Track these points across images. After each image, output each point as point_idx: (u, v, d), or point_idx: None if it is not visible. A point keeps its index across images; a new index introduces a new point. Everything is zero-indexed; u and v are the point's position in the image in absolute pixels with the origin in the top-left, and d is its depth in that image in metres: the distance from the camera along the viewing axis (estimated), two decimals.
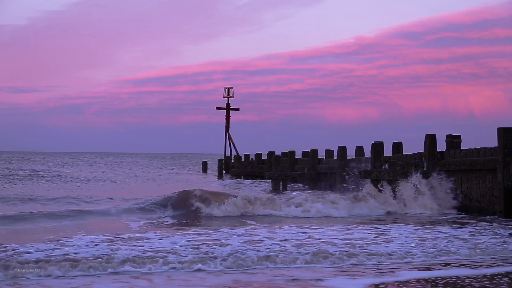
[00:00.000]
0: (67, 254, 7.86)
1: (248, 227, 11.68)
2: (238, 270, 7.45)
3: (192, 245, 8.92)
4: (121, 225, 11.86)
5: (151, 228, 11.46)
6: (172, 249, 8.50)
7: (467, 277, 7.14)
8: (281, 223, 12.58)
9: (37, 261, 7.37)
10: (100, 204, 15.45)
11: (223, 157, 46.22)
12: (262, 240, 9.60)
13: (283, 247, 8.84)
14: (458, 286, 6.70)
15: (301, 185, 26.41)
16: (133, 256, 7.81)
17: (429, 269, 7.71)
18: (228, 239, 9.63)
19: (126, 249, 8.39)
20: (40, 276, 6.90)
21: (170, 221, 13.06)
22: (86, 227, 11.36)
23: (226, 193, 16.06)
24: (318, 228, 11.40)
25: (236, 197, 14.93)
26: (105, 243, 8.94)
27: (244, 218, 13.83)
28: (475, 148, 15.08)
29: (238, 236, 10.14)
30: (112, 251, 8.23)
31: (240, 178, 36.69)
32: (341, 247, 9.00)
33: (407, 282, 6.90)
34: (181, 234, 10.38)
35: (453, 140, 16.12)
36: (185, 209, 14.09)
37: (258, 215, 14.34)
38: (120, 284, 6.71)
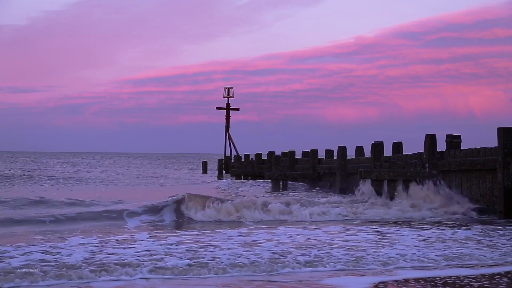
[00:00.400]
0: (56, 260, 7.76)
1: (244, 229, 11.63)
2: (238, 270, 7.41)
3: (188, 248, 8.87)
4: (116, 228, 11.71)
5: (146, 230, 11.34)
6: (169, 252, 8.42)
7: (466, 276, 7.10)
8: (278, 224, 12.52)
9: (22, 267, 7.22)
10: (98, 206, 15.35)
11: (223, 157, 46.22)
12: (259, 242, 9.56)
13: (283, 249, 8.79)
14: (457, 285, 6.66)
15: (302, 184, 26.39)
16: (129, 261, 7.76)
17: (423, 268, 7.67)
18: (225, 241, 9.57)
19: (117, 253, 8.38)
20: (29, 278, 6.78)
21: (166, 224, 12.93)
22: (82, 229, 11.25)
23: (222, 197, 15.96)
24: (316, 229, 11.38)
25: (232, 201, 14.72)
26: (98, 247, 8.93)
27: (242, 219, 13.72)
28: (475, 148, 15.04)
29: (235, 238, 10.10)
30: (104, 255, 8.22)
31: (240, 178, 36.67)
32: (342, 248, 8.96)
33: (406, 281, 6.86)
34: (176, 236, 10.34)
35: (453, 140, 16.08)
36: (181, 213, 13.94)
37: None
38: (118, 283, 6.70)
